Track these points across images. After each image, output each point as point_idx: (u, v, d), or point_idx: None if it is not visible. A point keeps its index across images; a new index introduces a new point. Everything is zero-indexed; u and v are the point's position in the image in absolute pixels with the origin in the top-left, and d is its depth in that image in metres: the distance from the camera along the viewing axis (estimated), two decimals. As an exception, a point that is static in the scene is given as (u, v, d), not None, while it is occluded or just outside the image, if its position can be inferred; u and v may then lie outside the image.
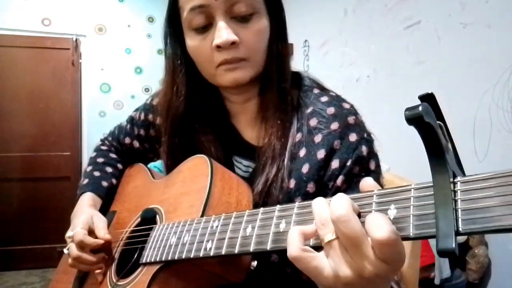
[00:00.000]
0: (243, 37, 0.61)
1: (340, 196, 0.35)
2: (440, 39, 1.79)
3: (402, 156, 1.78)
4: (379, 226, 0.32)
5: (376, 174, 0.60)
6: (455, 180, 0.31)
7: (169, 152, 0.71)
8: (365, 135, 0.61)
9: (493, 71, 1.54)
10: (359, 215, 0.36)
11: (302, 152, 0.61)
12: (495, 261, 1.60)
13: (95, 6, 3.61)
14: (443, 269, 1.60)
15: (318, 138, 0.61)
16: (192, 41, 0.64)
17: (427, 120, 0.30)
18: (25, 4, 3.39)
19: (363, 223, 0.34)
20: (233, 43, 0.59)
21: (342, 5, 2.53)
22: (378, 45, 2.22)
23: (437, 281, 1.59)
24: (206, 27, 0.61)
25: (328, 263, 0.36)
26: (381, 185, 0.61)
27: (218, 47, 0.59)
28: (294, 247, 0.36)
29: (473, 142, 1.61)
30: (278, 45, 0.66)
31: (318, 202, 0.37)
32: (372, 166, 0.60)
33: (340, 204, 0.34)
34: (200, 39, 0.62)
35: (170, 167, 0.72)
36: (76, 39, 3.51)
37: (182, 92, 0.68)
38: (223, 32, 0.59)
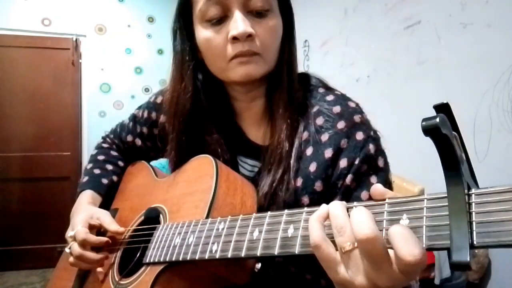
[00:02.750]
0: (258, 32, 0.61)
1: (362, 212, 0.34)
2: (440, 39, 1.79)
3: (402, 156, 1.78)
4: (410, 248, 0.31)
5: (385, 172, 0.60)
6: (470, 192, 0.31)
7: (176, 149, 0.71)
8: (372, 133, 0.61)
9: (493, 71, 1.54)
10: None
11: (309, 151, 0.61)
12: (495, 261, 1.60)
13: (95, 6, 3.60)
14: (443, 269, 1.60)
15: (324, 137, 0.60)
16: (204, 33, 0.63)
17: (444, 131, 0.30)
18: (25, 4, 3.39)
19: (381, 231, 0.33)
20: (249, 35, 0.59)
21: (342, 5, 2.53)
22: (378, 45, 2.22)
23: (437, 281, 1.59)
24: (221, 20, 0.61)
25: (344, 268, 0.36)
26: (390, 182, 0.61)
27: (235, 38, 0.59)
28: (317, 234, 0.36)
29: (473, 142, 1.60)
30: (289, 46, 0.67)
31: (335, 207, 0.37)
32: (381, 163, 0.60)
33: (365, 223, 0.33)
34: (213, 31, 0.62)
35: (176, 165, 0.71)
36: (76, 39, 3.51)
37: (190, 89, 0.68)
38: (241, 23, 0.59)
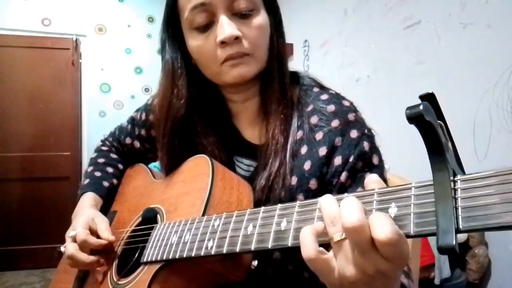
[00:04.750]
0: (245, 33, 0.62)
1: (352, 201, 0.35)
2: (440, 39, 1.79)
3: (402, 156, 1.78)
4: (382, 226, 0.32)
5: (380, 169, 0.61)
6: (455, 178, 0.32)
7: (169, 154, 0.71)
8: (366, 131, 0.62)
9: (493, 71, 1.54)
10: None
11: (304, 150, 0.62)
12: (495, 261, 1.60)
13: (95, 6, 3.61)
14: (443, 269, 1.60)
15: (319, 135, 0.61)
16: (194, 41, 0.64)
17: (428, 119, 0.31)
18: (25, 4, 3.39)
19: None
20: (237, 38, 0.60)
21: (342, 5, 2.53)
22: (378, 45, 2.22)
23: (437, 281, 1.59)
24: (208, 26, 0.62)
25: (336, 263, 0.36)
26: (385, 180, 0.61)
27: (223, 43, 0.60)
28: (311, 249, 0.36)
29: (473, 142, 1.61)
30: (278, 42, 0.67)
31: (327, 199, 0.37)
32: (375, 160, 0.60)
33: (353, 212, 0.33)
34: (202, 38, 0.63)
35: (170, 169, 0.72)
36: (76, 39, 3.52)
37: (184, 95, 0.68)
38: (226, 27, 0.60)
